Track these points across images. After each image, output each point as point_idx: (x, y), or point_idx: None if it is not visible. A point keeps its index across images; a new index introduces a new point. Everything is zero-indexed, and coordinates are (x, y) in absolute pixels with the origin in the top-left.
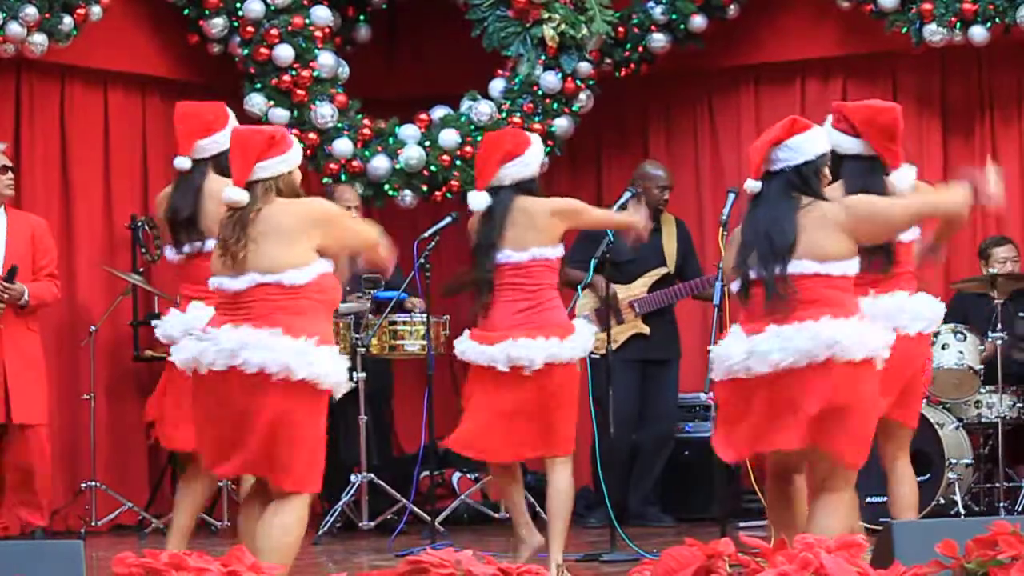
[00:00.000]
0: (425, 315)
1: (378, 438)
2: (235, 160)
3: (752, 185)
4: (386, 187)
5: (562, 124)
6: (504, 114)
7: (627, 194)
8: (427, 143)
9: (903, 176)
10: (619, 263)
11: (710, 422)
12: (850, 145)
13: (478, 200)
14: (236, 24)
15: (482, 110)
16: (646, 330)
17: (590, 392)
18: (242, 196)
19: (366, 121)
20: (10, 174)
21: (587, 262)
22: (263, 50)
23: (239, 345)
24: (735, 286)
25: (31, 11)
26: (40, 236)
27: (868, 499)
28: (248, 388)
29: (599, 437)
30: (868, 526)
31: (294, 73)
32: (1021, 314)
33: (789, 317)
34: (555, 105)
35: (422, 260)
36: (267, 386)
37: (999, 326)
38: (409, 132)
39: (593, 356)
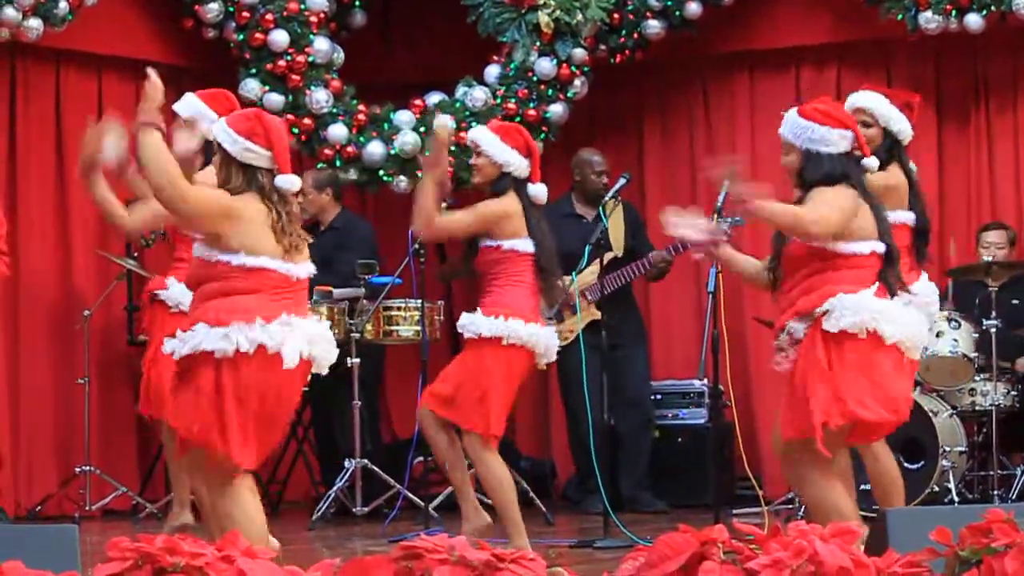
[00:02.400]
0: (420, 301)
1: (370, 424)
2: (286, 148)
3: (874, 163)
4: (381, 173)
5: (557, 110)
6: (499, 100)
7: (622, 180)
8: (422, 129)
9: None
10: (565, 253)
11: (704, 408)
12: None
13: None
14: (231, 9)
15: (477, 96)
16: (599, 316)
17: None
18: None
19: (361, 107)
20: None
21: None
22: (258, 35)
23: (314, 339)
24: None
25: None
26: None
27: (863, 486)
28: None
29: (591, 425)
30: (863, 513)
31: (289, 58)
32: (1015, 301)
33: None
34: (550, 91)
35: (416, 246)
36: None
37: (993, 313)
38: (404, 118)
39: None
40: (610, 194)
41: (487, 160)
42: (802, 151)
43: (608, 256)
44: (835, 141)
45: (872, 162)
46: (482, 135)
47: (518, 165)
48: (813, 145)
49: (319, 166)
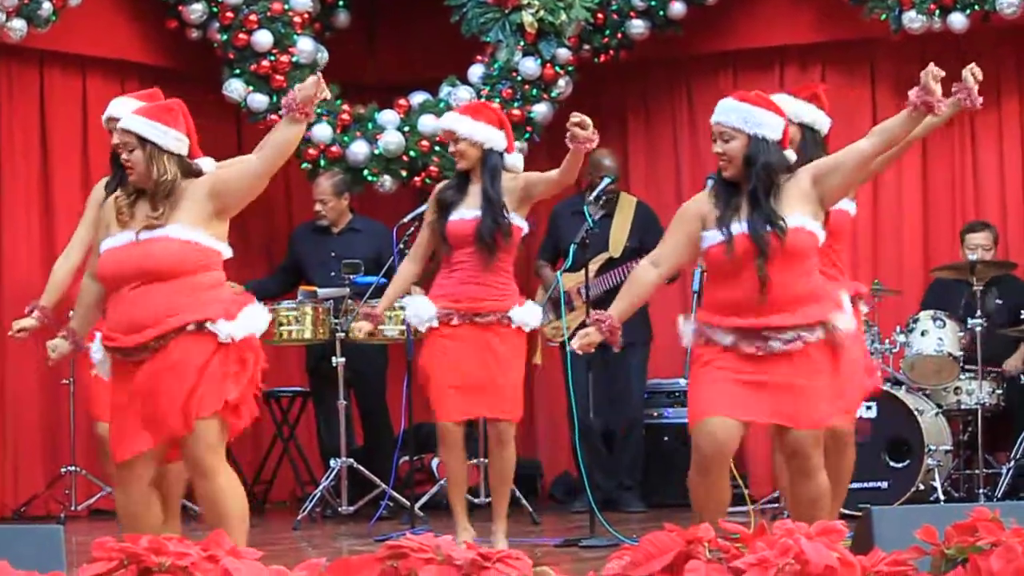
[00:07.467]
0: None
1: (372, 421)
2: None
3: (793, 156)
4: (365, 172)
5: (541, 110)
6: (483, 100)
7: (606, 180)
8: (406, 129)
9: None
10: (565, 251)
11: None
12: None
13: None
14: (215, 10)
15: (461, 96)
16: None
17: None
18: None
19: (345, 107)
20: None
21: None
22: (242, 36)
23: None
24: None
25: None
26: None
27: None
28: None
29: (576, 425)
30: (847, 512)
31: (273, 59)
32: (998, 301)
33: None
34: (534, 91)
35: (401, 246)
36: None
37: (978, 312)
38: (388, 118)
39: (552, 345)
40: (593, 194)
41: (467, 143)
42: (749, 136)
43: (603, 257)
44: (776, 128)
45: (792, 155)
46: (455, 121)
47: (497, 140)
48: (760, 130)
49: (303, 166)
